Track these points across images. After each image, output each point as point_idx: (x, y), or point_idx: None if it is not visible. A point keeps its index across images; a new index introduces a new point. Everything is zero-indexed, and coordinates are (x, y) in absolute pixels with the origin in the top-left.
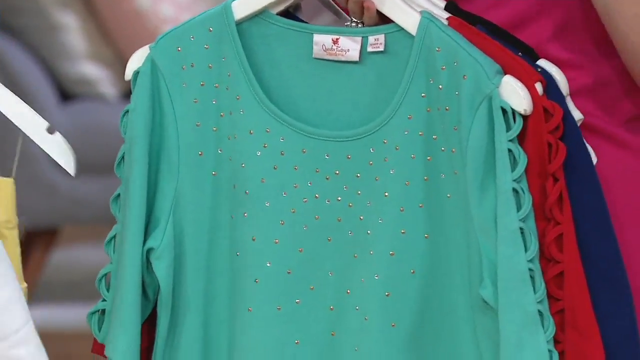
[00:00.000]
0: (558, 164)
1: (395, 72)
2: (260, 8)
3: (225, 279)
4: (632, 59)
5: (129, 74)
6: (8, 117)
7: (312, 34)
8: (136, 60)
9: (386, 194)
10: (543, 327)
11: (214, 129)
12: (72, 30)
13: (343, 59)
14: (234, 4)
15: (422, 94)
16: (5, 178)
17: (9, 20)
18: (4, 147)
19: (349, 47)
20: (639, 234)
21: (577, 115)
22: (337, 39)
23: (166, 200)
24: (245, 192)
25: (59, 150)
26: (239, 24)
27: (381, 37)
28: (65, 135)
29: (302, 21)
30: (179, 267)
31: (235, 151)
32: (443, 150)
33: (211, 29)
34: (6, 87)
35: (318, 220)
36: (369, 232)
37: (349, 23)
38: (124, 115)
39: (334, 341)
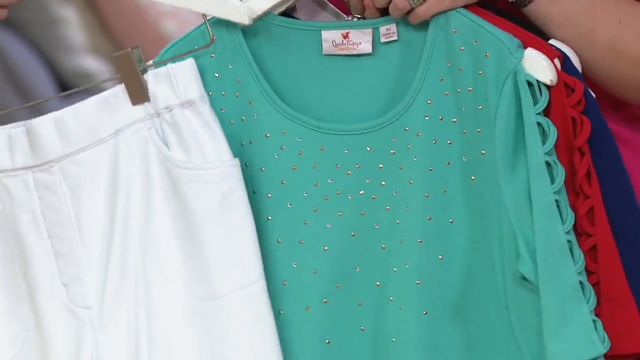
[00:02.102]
0: (584, 138)
1: (411, 59)
2: (264, 12)
3: None
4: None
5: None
6: None
7: (320, 30)
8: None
9: (411, 181)
10: (585, 297)
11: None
12: (72, 24)
13: (355, 52)
14: None
15: (441, 78)
16: None
17: (9, 14)
18: None
19: (361, 40)
20: None
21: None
22: (347, 33)
23: None
24: (267, 196)
25: None
26: (243, 28)
27: (393, 27)
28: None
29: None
30: None
31: (252, 156)
32: (465, 133)
33: (215, 37)
34: (6, 79)
35: (341, 216)
36: (397, 221)
37: (349, 18)
38: None
39: (365, 336)
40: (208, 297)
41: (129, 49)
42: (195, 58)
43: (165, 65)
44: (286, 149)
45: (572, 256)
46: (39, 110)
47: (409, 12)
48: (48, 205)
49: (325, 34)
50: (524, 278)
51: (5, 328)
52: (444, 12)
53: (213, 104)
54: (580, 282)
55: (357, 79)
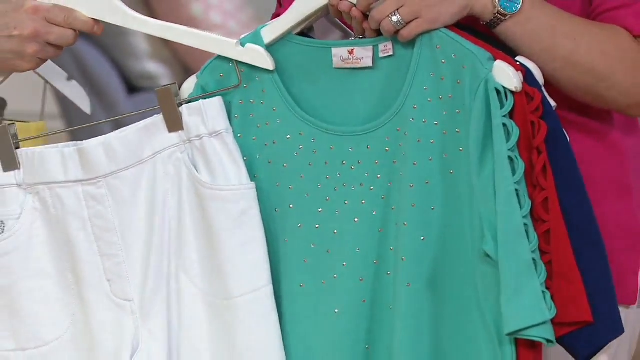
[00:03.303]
0: (541, 139)
1: (401, 71)
2: (285, 31)
3: (272, 263)
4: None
5: (183, 98)
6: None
7: (330, 48)
8: (187, 87)
9: (401, 173)
10: (537, 272)
11: (254, 138)
12: (137, 34)
13: (359, 66)
14: (263, 31)
15: (425, 87)
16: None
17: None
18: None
19: (363, 55)
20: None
21: (551, 102)
22: (352, 49)
23: None
24: (289, 188)
25: (78, 93)
26: (268, 47)
27: (389, 44)
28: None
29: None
30: None
31: (275, 155)
32: (445, 134)
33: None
34: (84, 80)
35: (347, 204)
36: (393, 207)
37: (353, 37)
38: None
39: (365, 307)
40: (224, 297)
41: (168, 85)
42: (230, 73)
43: (197, 101)
44: (303, 148)
45: (528, 237)
46: (110, 107)
47: (397, 33)
48: (95, 213)
49: (335, 51)
50: (487, 255)
51: (52, 312)
52: (428, 32)
53: (244, 110)
54: (534, 260)
55: (360, 88)
